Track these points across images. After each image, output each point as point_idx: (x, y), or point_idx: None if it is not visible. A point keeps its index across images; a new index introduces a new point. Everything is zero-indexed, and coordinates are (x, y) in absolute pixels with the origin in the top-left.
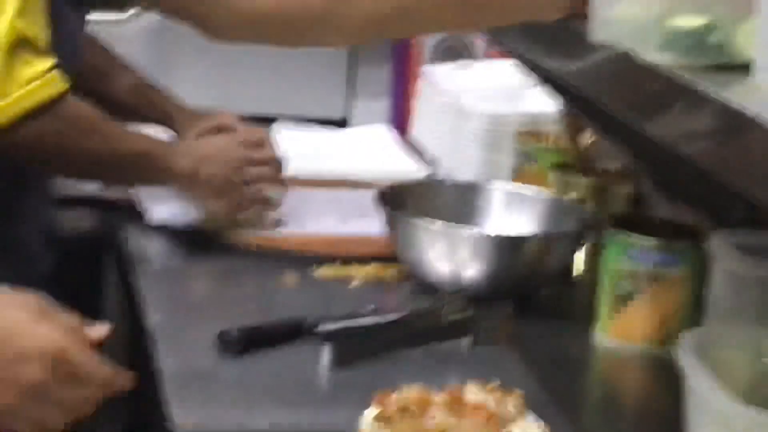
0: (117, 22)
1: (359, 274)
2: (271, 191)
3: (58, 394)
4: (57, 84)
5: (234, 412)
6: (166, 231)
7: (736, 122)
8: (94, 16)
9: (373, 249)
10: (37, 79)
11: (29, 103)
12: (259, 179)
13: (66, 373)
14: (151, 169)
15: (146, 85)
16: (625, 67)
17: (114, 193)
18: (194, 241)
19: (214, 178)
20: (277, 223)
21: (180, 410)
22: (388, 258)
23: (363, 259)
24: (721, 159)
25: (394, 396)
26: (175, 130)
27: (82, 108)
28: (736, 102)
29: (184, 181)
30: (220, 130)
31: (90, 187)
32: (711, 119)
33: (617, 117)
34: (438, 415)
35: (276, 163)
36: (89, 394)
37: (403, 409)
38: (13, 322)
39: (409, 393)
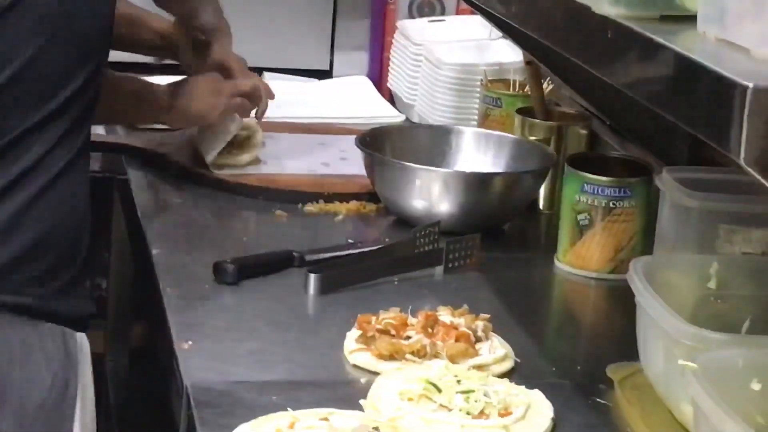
0: None
1: (342, 210)
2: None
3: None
4: None
5: (228, 334)
6: (165, 172)
7: (683, 68)
8: None
9: (355, 188)
10: None
11: None
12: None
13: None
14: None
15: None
16: (581, 18)
17: (117, 137)
18: (191, 179)
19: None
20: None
21: (179, 333)
22: (368, 196)
23: (345, 197)
24: (670, 102)
25: (374, 319)
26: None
27: None
28: (682, 49)
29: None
30: (219, 69)
31: (97, 131)
32: (661, 66)
33: (575, 65)
34: (414, 336)
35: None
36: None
37: (383, 331)
38: None
39: (388, 316)
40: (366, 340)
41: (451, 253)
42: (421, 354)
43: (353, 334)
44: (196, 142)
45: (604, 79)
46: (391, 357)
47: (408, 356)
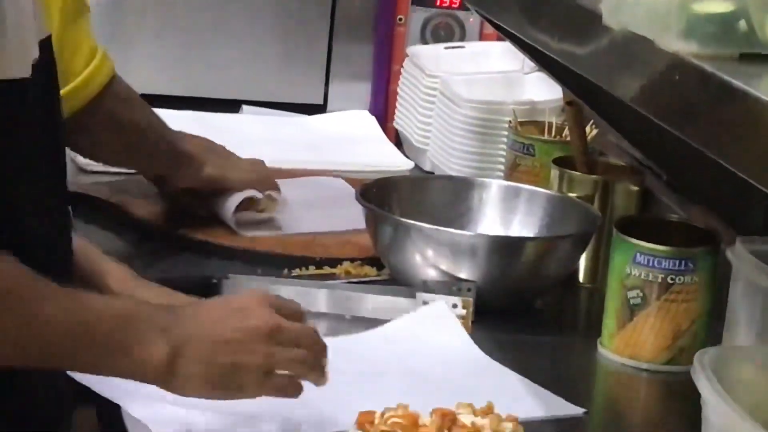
0: None
1: (340, 273)
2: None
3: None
4: None
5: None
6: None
7: (764, 117)
8: None
9: (353, 251)
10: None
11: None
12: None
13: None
14: None
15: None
16: (641, 54)
17: None
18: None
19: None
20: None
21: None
22: (368, 260)
23: (339, 261)
24: (746, 157)
25: (378, 415)
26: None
27: None
28: (764, 94)
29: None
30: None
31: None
32: (736, 113)
33: (628, 107)
34: None
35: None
36: (306, 355)
37: (387, 429)
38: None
39: (395, 413)
40: None
41: None
42: None
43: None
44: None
45: (662, 127)
46: None
47: None
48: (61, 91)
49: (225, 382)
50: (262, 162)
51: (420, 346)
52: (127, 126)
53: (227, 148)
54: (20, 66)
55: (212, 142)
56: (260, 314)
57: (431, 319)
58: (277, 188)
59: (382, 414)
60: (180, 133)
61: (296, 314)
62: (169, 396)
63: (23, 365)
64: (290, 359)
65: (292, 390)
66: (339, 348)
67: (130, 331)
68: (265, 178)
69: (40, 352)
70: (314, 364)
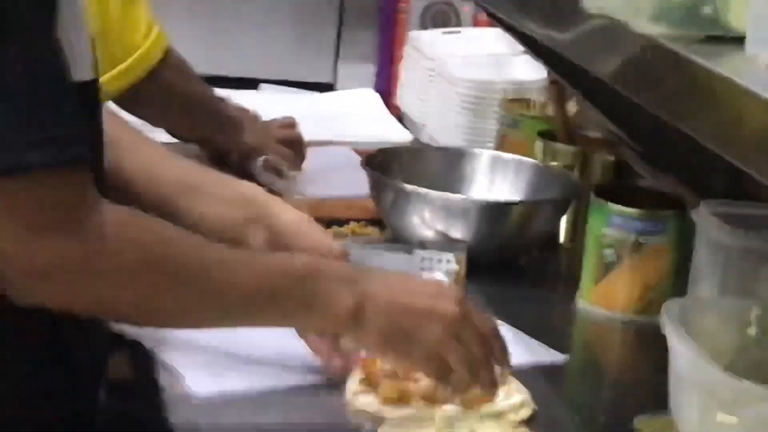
0: None
1: (342, 233)
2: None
3: (468, 333)
4: None
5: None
6: None
7: (730, 96)
8: None
9: (358, 213)
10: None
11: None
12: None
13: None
14: None
15: None
16: (616, 36)
17: None
18: None
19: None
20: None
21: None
22: (372, 221)
23: (345, 222)
24: (709, 129)
25: (378, 360)
26: None
27: None
28: (730, 74)
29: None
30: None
31: None
32: (705, 92)
33: (605, 85)
34: (423, 378)
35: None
36: (488, 358)
37: (388, 374)
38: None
39: None
40: (370, 383)
41: None
42: (431, 398)
43: (355, 376)
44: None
45: (635, 103)
46: (399, 401)
47: (417, 401)
48: (124, 64)
49: (397, 345)
50: (295, 123)
51: None
52: (182, 94)
53: None
54: (87, 68)
55: (253, 112)
56: (453, 302)
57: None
58: (303, 158)
59: None
60: (226, 100)
61: (486, 322)
62: (202, 342)
63: (209, 328)
64: (462, 356)
65: (452, 381)
66: None
67: (318, 284)
68: (298, 150)
69: (230, 315)
70: (483, 370)
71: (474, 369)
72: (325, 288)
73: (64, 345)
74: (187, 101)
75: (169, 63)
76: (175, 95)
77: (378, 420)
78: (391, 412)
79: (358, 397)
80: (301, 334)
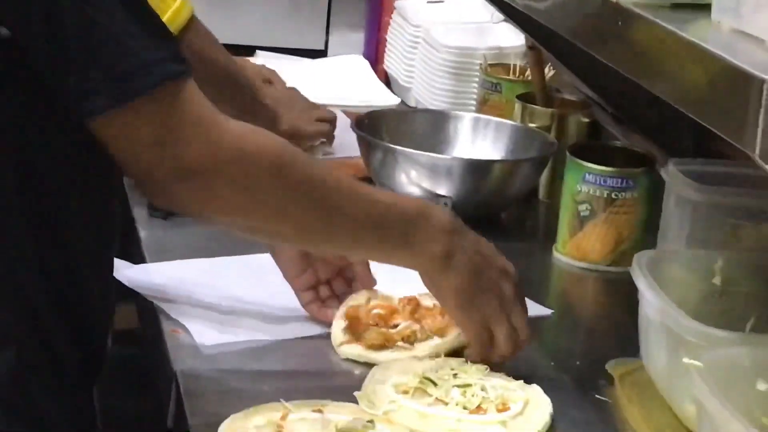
0: None
1: None
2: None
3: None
4: None
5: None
6: None
7: (696, 59)
8: None
9: (348, 172)
10: None
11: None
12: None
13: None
14: None
15: None
16: (589, 3)
17: None
18: None
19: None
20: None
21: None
22: (362, 179)
23: None
24: (681, 94)
25: (361, 309)
26: None
27: None
28: (696, 38)
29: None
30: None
31: None
32: (672, 56)
33: (580, 50)
34: (402, 323)
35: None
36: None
37: (371, 322)
38: None
39: (376, 305)
40: (354, 331)
41: None
42: (411, 340)
43: (339, 324)
44: None
45: (608, 67)
46: (382, 346)
47: (399, 344)
48: None
49: (471, 299)
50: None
51: None
52: (211, 63)
53: None
54: None
55: (288, 93)
56: (513, 285)
57: None
58: (332, 138)
59: (366, 304)
60: (258, 82)
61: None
62: (206, 300)
63: (317, 247)
64: (508, 335)
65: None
66: None
67: (421, 227)
68: (330, 131)
69: (338, 237)
70: (517, 351)
71: (513, 350)
72: (425, 231)
73: (79, 294)
74: (219, 71)
75: (196, 28)
76: (207, 63)
77: (366, 365)
78: (377, 357)
79: (345, 347)
80: (296, 290)
